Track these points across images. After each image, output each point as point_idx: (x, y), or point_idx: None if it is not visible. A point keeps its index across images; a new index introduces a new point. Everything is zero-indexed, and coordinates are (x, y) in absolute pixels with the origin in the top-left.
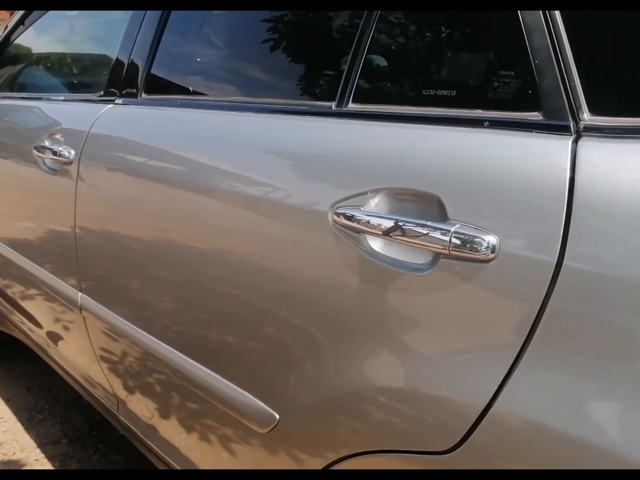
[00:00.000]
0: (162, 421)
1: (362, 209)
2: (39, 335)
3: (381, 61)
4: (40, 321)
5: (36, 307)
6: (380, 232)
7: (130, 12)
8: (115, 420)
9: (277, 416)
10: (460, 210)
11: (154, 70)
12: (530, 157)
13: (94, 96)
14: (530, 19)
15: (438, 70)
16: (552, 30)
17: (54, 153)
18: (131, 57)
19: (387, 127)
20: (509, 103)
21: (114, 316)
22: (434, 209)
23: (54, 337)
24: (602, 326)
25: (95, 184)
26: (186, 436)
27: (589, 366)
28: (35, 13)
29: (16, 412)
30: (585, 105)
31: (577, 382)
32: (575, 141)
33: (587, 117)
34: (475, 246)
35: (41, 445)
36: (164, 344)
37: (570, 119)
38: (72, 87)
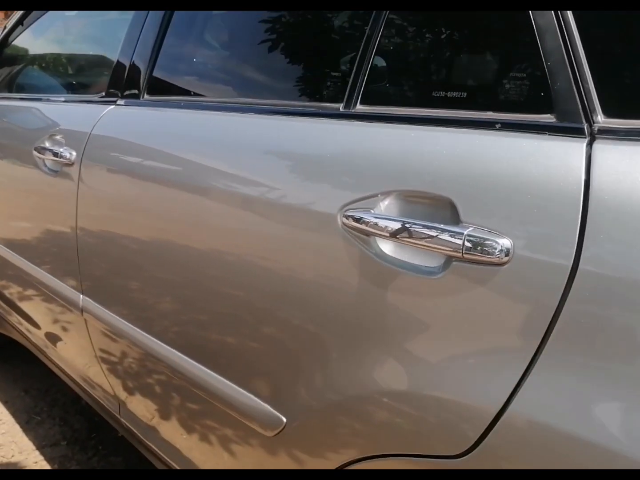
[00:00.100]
0: (164, 423)
1: (372, 211)
2: (37, 337)
3: (390, 62)
4: (40, 323)
5: (36, 308)
6: (391, 235)
7: (132, 12)
8: (115, 421)
9: (285, 419)
10: (473, 213)
11: (156, 71)
12: (544, 159)
13: (95, 97)
14: (542, 20)
15: (448, 71)
16: (565, 31)
17: (55, 154)
18: (133, 58)
19: (396, 129)
20: (520, 105)
21: (116, 318)
22: (446, 211)
23: (54, 339)
24: (618, 330)
25: (98, 185)
26: (188, 438)
27: (605, 370)
28: (35, 13)
29: (14, 414)
30: (599, 107)
31: (593, 387)
32: (590, 144)
33: (601, 119)
34: (489, 249)
35: (40, 448)
36: (167, 346)
37: (584, 121)
38: (73, 88)
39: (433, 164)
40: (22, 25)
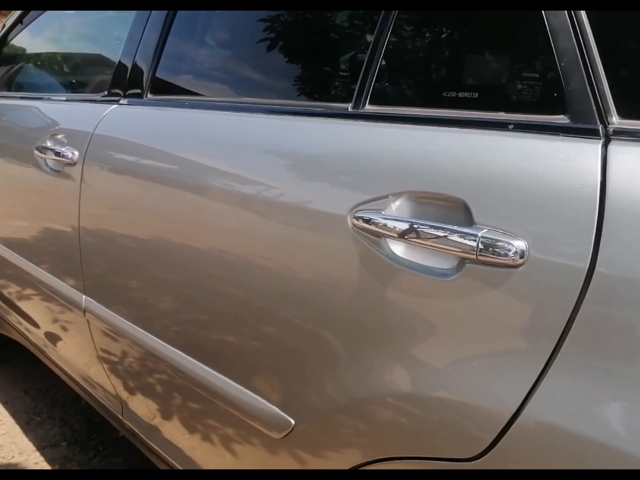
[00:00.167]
0: (167, 423)
1: (382, 212)
2: (37, 337)
3: (399, 62)
4: (40, 323)
5: (36, 308)
6: (403, 236)
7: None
8: (117, 421)
9: (293, 422)
10: (486, 215)
11: (160, 70)
12: (559, 161)
13: (97, 96)
14: (555, 20)
15: (459, 72)
16: (578, 31)
17: (57, 154)
18: (136, 56)
19: (405, 129)
20: (533, 106)
21: (119, 318)
22: (459, 212)
23: (55, 339)
24: (635, 333)
25: (101, 185)
26: (191, 438)
27: (621, 374)
28: (34, 12)
29: (14, 414)
30: (614, 108)
31: (609, 390)
32: (605, 145)
33: (615, 120)
34: (504, 251)
35: (40, 448)
36: (172, 347)
37: (599, 122)
38: (74, 87)
39: (445, 165)
40: (22, 23)
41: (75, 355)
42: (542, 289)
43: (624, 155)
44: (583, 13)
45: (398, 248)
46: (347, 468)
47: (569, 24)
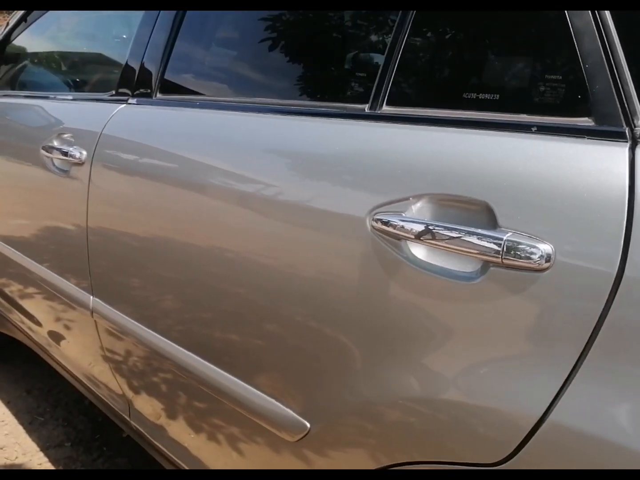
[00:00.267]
0: (177, 427)
1: (402, 214)
2: (41, 336)
3: (418, 63)
4: (46, 323)
5: (42, 309)
6: (424, 239)
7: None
8: (122, 421)
9: (309, 425)
10: (511, 218)
11: (170, 69)
12: (585, 164)
13: (104, 95)
14: (579, 21)
15: (479, 73)
16: (603, 33)
17: (64, 153)
18: (145, 55)
19: (425, 130)
20: (556, 108)
21: (129, 320)
22: (482, 215)
23: (60, 339)
24: None
25: (109, 185)
26: (200, 439)
27: None
28: (37, 10)
29: (17, 414)
30: None
31: (637, 395)
32: (632, 148)
33: None
34: (529, 255)
35: (44, 449)
36: (185, 350)
37: (624, 125)
38: (80, 86)
39: (467, 167)
40: (25, 22)
41: (80, 354)
42: (568, 293)
43: None
44: (607, 13)
45: (418, 251)
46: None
47: (593, 25)
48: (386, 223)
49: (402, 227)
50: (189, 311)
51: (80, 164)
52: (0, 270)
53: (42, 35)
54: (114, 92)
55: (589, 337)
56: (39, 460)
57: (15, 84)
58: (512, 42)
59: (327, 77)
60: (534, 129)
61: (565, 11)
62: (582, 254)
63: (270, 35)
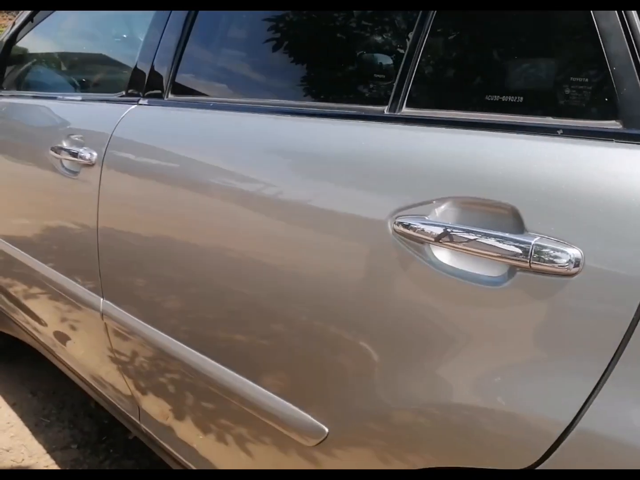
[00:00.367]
0: (186, 427)
1: (426, 218)
2: (47, 337)
3: (438, 64)
4: (53, 324)
5: (49, 310)
6: (449, 243)
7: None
8: (130, 423)
9: (327, 430)
10: (539, 222)
11: (181, 69)
12: (613, 167)
13: (114, 96)
14: (606, 22)
15: (502, 74)
16: (631, 34)
17: (74, 154)
18: (156, 55)
19: (447, 133)
20: (583, 111)
21: (140, 322)
22: (508, 219)
23: (69, 341)
24: None
25: (120, 187)
26: (206, 438)
27: None
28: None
29: (23, 416)
30: None
31: None
32: None
33: None
34: (558, 259)
35: (50, 451)
36: (197, 352)
37: None
38: (88, 86)
39: (492, 170)
40: (32, 22)
41: (88, 355)
42: (598, 298)
43: None
44: (634, 13)
45: (442, 254)
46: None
47: (620, 26)
48: (409, 226)
49: (425, 230)
50: (205, 313)
51: (90, 165)
52: (7, 271)
53: (48, 36)
54: (124, 92)
55: (620, 343)
56: (45, 463)
57: (21, 84)
58: (536, 43)
59: (345, 78)
60: (559, 131)
61: (591, 11)
62: (612, 258)
63: (285, 36)
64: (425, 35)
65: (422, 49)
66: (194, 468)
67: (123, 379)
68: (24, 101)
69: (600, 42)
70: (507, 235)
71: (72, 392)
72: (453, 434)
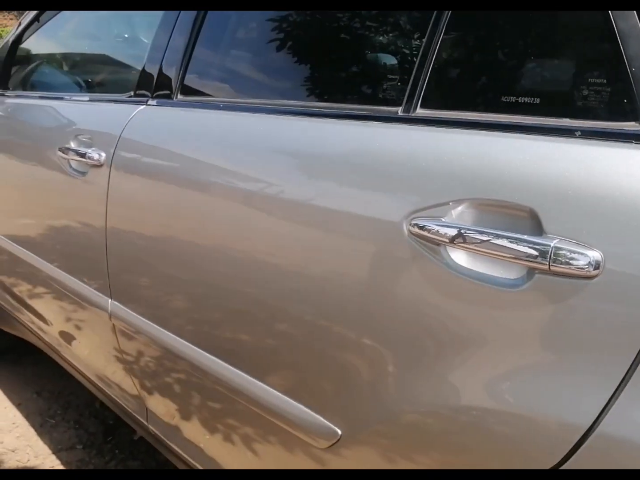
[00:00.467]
0: (195, 430)
1: (442, 219)
2: (52, 337)
3: (454, 65)
4: (61, 326)
5: (56, 311)
6: (466, 245)
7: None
8: (135, 422)
9: (340, 432)
10: (557, 224)
11: (191, 69)
12: (633, 169)
13: (122, 96)
14: (624, 22)
15: (519, 75)
16: None
17: (82, 155)
18: (165, 55)
19: (463, 134)
20: (602, 112)
21: (149, 323)
22: (526, 221)
23: (75, 341)
24: None
25: (130, 188)
26: (212, 438)
27: None
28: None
29: (28, 417)
30: None
31: None
32: None
33: None
34: (578, 262)
35: (56, 452)
36: (208, 354)
37: None
38: (94, 87)
39: (510, 172)
40: (38, 22)
41: (94, 356)
42: (618, 301)
43: None
44: None
45: (458, 256)
46: None
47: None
48: (424, 228)
49: (442, 232)
50: (215, 314)
51: (99, 165)
52: (12, 270)
53: (54, 36)
54: (132, 93)
55: None
56: (51, 463)
57: (27, 84)
58: (553, 44)
59: (359, 79)
60: (577, 133)
61: (610, 12)
62: (632, 260)
63: (297, 37)
64: (440, 36)
65: (436, 49)
66: (201, 468)
67: (130, 378)
68: (31, 101)
69: (619, 42)
70: (525, 237)
71: (77, 393)
72: (470, 438)
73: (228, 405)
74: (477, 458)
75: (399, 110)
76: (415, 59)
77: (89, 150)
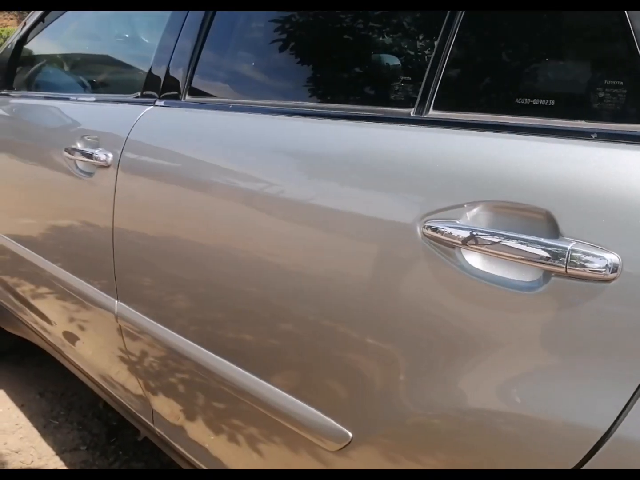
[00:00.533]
0: (199, 430)
1: (457, 222)
2: (55, 337)
3: (466, 66)
4: (66, 327)
5: (61, 312)
6: (481, 247)
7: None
8: (142, 425)
9: (350, 434)
10: (574, 227)
11: (199, 70)
12: None
13: (129, 97)
14: None
15: (533, 77)
16: None
17: (88, 156)
18: (173, 55)
19: (477, 136)
20: (618, 114)
21: (155, 324)
22: (542, 224)
23: (81, 343)
24: None
25: (137, 189)
26: (217, 439)
27: None
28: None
29: (31, 418)
30: None
31: None
32: None
33: None
34: (595, 265)
35: (60, 453)
36: (217, 356)
37: None
38: (100, 87)
39: (526, 174)
40: (43, 22)
41: (99, 357)
42: (635, 304)
43: None
44: None
45: (473, 259)
46: None
47: None
48: (438, 230)
49: (456, 234)
50: (228, 316)
51: (106, 166)
52: (16, 271)
53: (60, 36)
54: (139, 93)
55: None
56: (54, 465)
57: (32, 84)
58: (568, 45)
59: (371, 81)
60: (594, 135)
61: (626, 12)
62: None
63: (307, 38)
64: (453, 36)
65: (449, 50)
66: (205, 468)
67: (135, 379)
68: (36, 102)
69: (636, 43)
70: (542, 240)
71: (80, 394)
72: (483, 441)
73: (239, 406)
74: (489, 461)
75: (411, 112)
76: (427, 60)
77: (96, 151)
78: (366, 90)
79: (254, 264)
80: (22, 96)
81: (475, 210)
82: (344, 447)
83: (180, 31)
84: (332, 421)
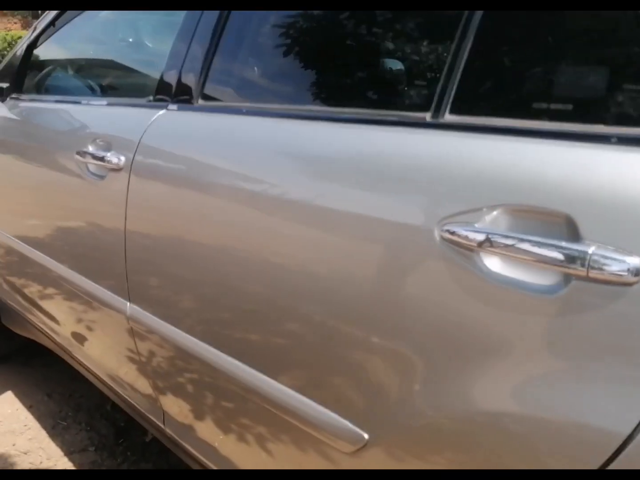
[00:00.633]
0: (216, 436)
1: (475, 225)
2: (64, 337)
3: (483, 69)
4: (76, 328)
5: (71, 314)
6: (500, 251)
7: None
8: (151, 425)
9: (367, 436)
10: (595, 230)
11: (212, 75)
12: None
13: (142, 100)
14: None
15: (552, 81)
16: None
17: (100, 159)
18: (186, 58)
19: (495, 140)
20: (637, 118)
21: (167, 326)
22: (562, 227)
23: (90, 344)
24: None
25: (150, 192)
26: (226, 439)
27: None
28: (68, 14)
29: (40, 419)
30: None
31: None
32: None
33: None
34: (616, 268)
35: (68, 454)
36: (232, 359)
37: None
38: (112, 91)
39: (545, 177)
40: (54, 26)
41: (108, 357)
42: None
43: None
44: None
45: (492, 262)
46: None
47: None
48: (457, 234)
49: (475, 237)
50: (242, 317)
51: (118, 169)
52: (24, 273)
53: (70, 40)
54: (152, 97)
55: None
56: (63, 465)
57: (42, 88)
58: (587, 48)
59: (386, 85)
60: (613, 140)
61: None
62: None
63: (321, 41)
64: (471, 40)
65: (466, 53)
66: (215, 468)
67: (146, 380)
68: (47, 105)
69: None
70: (563, 243)
71: (88, 395)
72: (501, 444)
73: (248, 405)
74: (507, 463)
75: (427, 116)
76: (444, 64)
77: (108, 154)
78: (383, 94)
79: (284, 273)
80: (32, 100)
81: (494, 213)
82: (360, 449)
83: (193, 35)
84: (348, 423)
